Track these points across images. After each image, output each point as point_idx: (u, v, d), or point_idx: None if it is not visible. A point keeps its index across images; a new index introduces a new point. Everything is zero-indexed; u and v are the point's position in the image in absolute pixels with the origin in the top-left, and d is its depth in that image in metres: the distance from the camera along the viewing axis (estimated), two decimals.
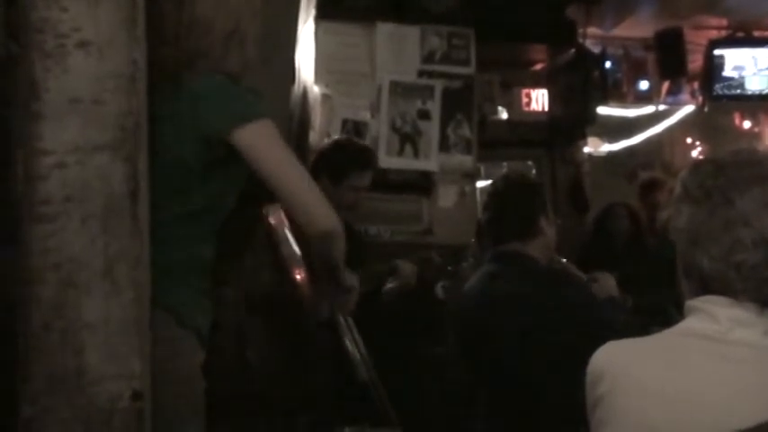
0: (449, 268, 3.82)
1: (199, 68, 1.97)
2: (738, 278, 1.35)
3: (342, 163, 3.46)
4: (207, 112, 1.91)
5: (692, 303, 1.40)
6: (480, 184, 5.34)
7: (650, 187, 5.76)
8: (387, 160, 4.41)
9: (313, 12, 3.94)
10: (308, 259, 2.46)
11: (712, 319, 1.36)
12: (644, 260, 4.88)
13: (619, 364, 1.41)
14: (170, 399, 1.81)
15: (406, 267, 3.55)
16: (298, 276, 2.70)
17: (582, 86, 5.74)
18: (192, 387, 1.93)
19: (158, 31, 1.93)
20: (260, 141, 1.93)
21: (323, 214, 2.00)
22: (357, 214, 3.71)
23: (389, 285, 3.59)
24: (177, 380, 1.87)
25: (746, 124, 7.37)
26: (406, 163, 4.50)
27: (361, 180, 3.47)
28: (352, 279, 2.40)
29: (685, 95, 6.65)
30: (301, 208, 1.99)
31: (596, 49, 5.94)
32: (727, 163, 1.40)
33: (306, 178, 2.00)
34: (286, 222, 2.56)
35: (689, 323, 1.40)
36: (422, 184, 4.57)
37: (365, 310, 2.76)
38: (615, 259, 4.51)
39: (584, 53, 5.68)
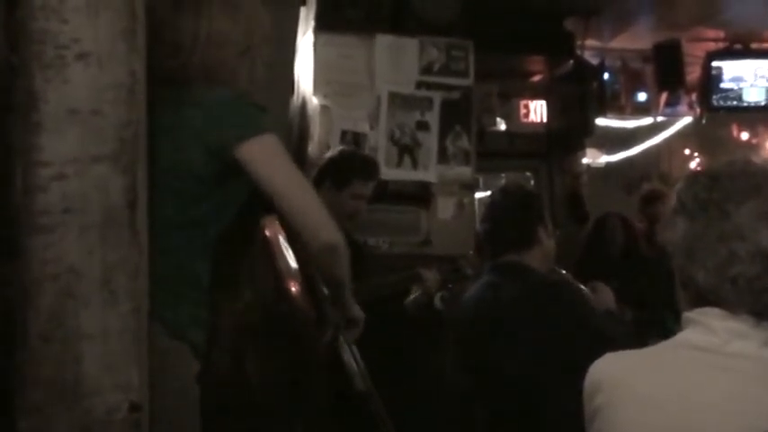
0: (449, 286, 3.81)
1: (210, 81, 1.98)
2: (734, 291, 1.35)
3: (346, 170, 3.52)
4: (212, 125, 1.91)
5: (688, 315, 1.40)
6: (479, 195, 5.34)
7: (651, 199, 5.76)
8: (385, 171, 4.40)
9: (312, 23, 3.95)
10: (305, 272, 2.46)
11: (709, 331, 1.36)
12: (641, 271, 4.88)
13: (616, 375, 1.41)
14: (165, 411, 1.81)
15: (430, 276, 3.57)
16: (293, 289, 2.70)
17: (580, 98, 5.76)
18: (186, 399, 1.93)
19: (174, 42, 1.96)
20: (264, 156, 1.93)
21: (326, 228, 1.99)
22: (356, 225, 3.72)
23: (413, 296, 3.59)
24: (171, 392, 1.87)
25: (744, 135, 7.40)
26: (405, 174, 4.49)
27: (363, 189, 3.52)
28: (357, 310, 2.39)
29: (683, 107, 6.67)
30: (305, 222, 1.98)
31: (595, 61, 5.96)
32: (722, 175, 1.40)
33: (310, 193, 1.99)
34: (282, 235, 2.56)
35: (686, 335, 1.40)
36: (420, 196, 4.57)
37: (381, 316, 2.76)
38: (611, 271, 4.51)
39: (582, 65, 5.70)
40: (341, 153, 3.75)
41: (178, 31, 1.98)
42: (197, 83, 1.97)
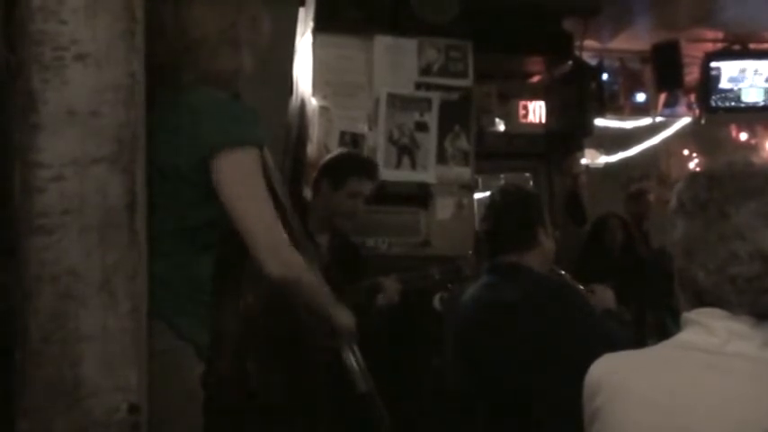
0: (449, 286, 3.80)
1: (190, 63, 1.97)
2: (734, 291, 1.35)
3: (342, 169, 3.52)
4: (203, 130, 1.90)
5: (688, 316, 1.40)
6: (478, 196, 5.33)
7: (635, 197, 5.78)
8: (384, 172, 4.39)
9: (311, 24, 3.95)
10: None
11: (708, 331, 1.36)
12: (639, 272, 4.89)
13: (616, 376, 1.41)
14: (167, 411, 1.81)
15: (390, 285, 3.50)
16: None
17: (579, 98, 5.75)
18: (189, 399, 1.93)
19: (154, 27, 1.94)
20: (231, 173, 1.89)
21: (275, 261, 1.92)
22: (356, 225, 3.72)
23: (378, 305, 3.52)
24: (175, 392, 1.87)
25: (743, 136, 7.41)
26: (404, 175, 4.49)
27: (360, 187, 3.49)
28: (345, 317, 2.36)
29: (682, 107, 6.68)
30: (254, 250, 1.92)
31: (593, 62, 5.96)
32: (721, 176, 1.40)
33: (266, 220, 1.92)
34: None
35: (685, 336, 1.40)
36: (419, 196, 4.56)
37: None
38: (610, 271, 4.51)
39: (581, 65, 5.69)
40: (339, 154, 3.79)
41: (158, 16, 1.96)
42: (179, 65, 1.96)
